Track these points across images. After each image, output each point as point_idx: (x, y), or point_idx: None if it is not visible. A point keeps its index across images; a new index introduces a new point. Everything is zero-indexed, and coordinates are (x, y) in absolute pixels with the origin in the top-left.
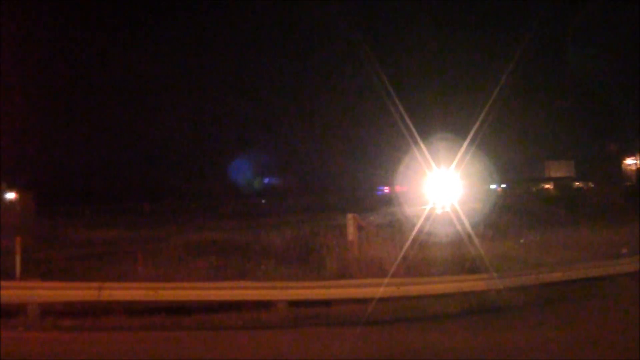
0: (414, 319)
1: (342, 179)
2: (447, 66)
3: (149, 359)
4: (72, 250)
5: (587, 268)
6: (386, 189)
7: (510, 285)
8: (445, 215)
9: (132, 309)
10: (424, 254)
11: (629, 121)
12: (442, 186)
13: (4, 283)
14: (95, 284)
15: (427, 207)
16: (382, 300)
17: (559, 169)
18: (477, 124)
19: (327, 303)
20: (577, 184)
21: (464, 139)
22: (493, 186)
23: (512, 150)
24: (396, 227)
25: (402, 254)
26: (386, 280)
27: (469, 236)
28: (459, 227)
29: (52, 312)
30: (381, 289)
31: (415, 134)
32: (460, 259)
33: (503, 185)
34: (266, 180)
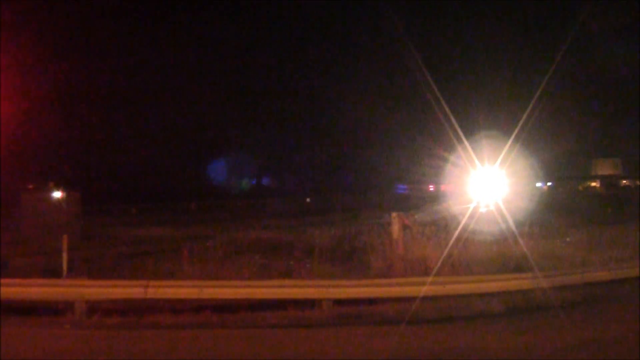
0: (458, 318)
1: (385, 177)
2: (493, 62)
3: (194, 356)
4: (119, 248)
5: (634, 267)
6: (431, 187)
7: (555, 285)
8: (489, 214)
9: (178, 307)
10: (468, 253)
11: None
12: (486, 184)
13: (51, 281)
14: (141, 282)
15: (472, 206)
16: (426, 298)
17: (606, 167)
18: (523, 121)
19: (371, 302)
20: (624, 181)
21: (510, 136)
22: (539, 184)
23: (558, 148)
24: (441, 226)
25: (446, 252)
26: (431, 279)
27: (514, 235)
28: (504, 226)
29: (99, 310)
30: (426, 288)
31: (460, 131)
32: (505, 257)
33: (549, 184)
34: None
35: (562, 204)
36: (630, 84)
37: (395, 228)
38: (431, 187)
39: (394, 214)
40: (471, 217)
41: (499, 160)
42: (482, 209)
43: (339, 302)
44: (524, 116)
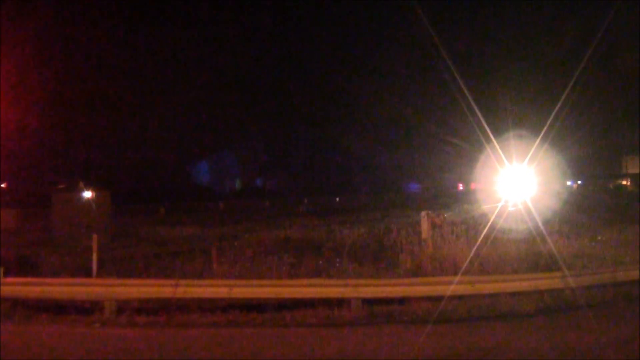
0: (487, 317)
1: (414, 176)
2: (522, 61)
3: (223, 355)
4: (148, 247)
5: None
6: (460, 186)
7: (585, 284)
8: (518, 212)
9: (206, 306)
10: (497, 251)
11: None
12: (515, 183)
13: (81, 280)
14: (170, 281)
15: (500, 204)
16: (455, 297)
17: (636, 165)
18: (552, 119)
19: (400, 301)
20: None
21: (539, 134)
22: (569, 182)
23: (588, 146)
24: (470, 224)
25: (475, 251)
26: (460, 278)
27: (543, 233)
28: (533, 224)
29: (128, 309)
30: (455, 287)
31: (489, 130)
32: (534, 256)
33: (579, 182)
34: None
35: (592, 202)
36: None
37: (425, 227)
38: (460, 186)
39: (423, 213)
40: (500, 215)
41: (528, 158)
42: (511, 208)
43: (368, 301)
44: (553, 114)
